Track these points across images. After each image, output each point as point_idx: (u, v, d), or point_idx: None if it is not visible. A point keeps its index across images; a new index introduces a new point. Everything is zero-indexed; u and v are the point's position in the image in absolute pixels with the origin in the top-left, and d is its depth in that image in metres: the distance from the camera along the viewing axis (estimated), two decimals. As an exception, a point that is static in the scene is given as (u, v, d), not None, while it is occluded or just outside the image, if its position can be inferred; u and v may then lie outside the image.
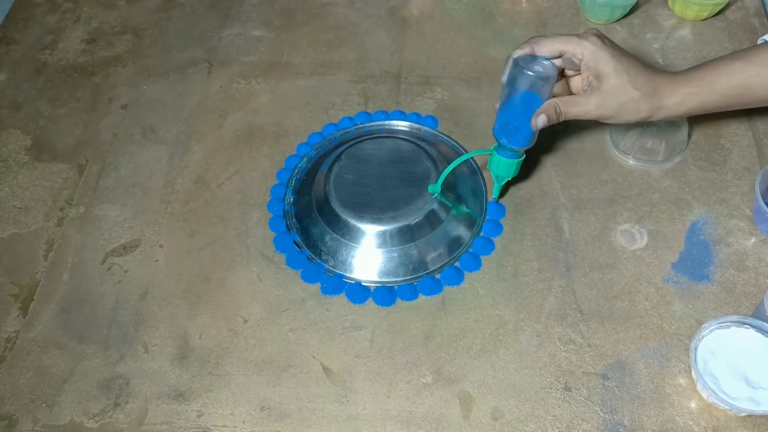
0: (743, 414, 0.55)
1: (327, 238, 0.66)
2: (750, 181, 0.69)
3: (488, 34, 0.84)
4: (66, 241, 0.68)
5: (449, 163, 0.70)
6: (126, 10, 0.90)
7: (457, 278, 0.64)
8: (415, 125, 0.76)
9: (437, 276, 0.64)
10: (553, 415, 0.56)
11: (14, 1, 0.92)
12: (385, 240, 0.64)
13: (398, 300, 0.63)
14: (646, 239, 0.66)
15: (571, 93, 0.62)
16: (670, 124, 0.69)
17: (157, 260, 0.67)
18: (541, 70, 0.58)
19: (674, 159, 0.71)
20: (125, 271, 0.66)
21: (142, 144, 0.76)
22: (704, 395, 0.56)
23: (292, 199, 0.70)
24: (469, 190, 0.70)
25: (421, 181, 0.66)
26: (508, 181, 0.65)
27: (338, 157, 0.69)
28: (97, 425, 0.57)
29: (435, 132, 0.75)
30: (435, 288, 0.63)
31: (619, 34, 0.83)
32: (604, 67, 0.56)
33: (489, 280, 0.64)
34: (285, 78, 0.81)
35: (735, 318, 0.57)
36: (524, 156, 0.63)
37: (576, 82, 0.61)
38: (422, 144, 0.70)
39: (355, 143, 0.70)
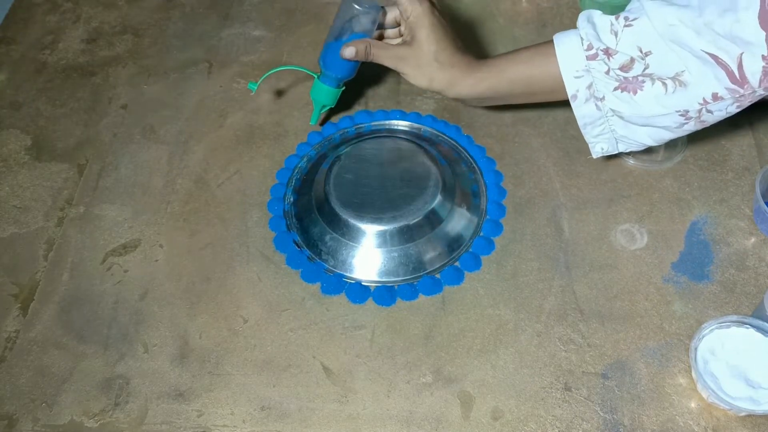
0: (743, 414, 0.55)
1: (327, 238, 0.66)
2: (750, 181, 0.69)
3: (488, 34, 0.84)
4: (66, 241, 0.68)
5: (449, 163, 0.70)
6: (126, 10, 0.90)
7: (457, 278, 0.64)
8: (415, 125, 0.76)
9: (437, 276, 0.64)
10: (553, 415, 0.56)
11: (14, 1, 0.92)
12: (385, 240, 0.64)
13: (398, 300, 0.63)
14: (646, 239, 0.66)
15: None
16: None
17: (157, 260, 0.67)
18: (367, 6, 0.62)
19: (674, 159, 0.71)
20: (125, 271, 0.66)
21: (142, 144, 0.76)
22: (704, 395, 0.56)
23: (292, 199, 0.70)
24: (469, 190, 0.70)
25: (421, 181, 0.66)
26: (329, 111, 0.73)
27: (338, 157, 0.69)
28: (97, 425, 0.57)
29: (435, 132, 0.75)
30: (435, 288, 0.63)
31: (619, 34, 0.83)
32: (419, 32, 0.61)
33: (489, 280, 0.64)
34: (285, 78, 0.81)
35: (735, 318, 0.57)
36: (344, 87, 0.69)
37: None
38: (422, 144, 0.70)
39: (355, 143, 0.70)
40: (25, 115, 0.79)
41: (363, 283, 0.64)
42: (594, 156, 0.63)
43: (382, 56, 0.63)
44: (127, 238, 0.68)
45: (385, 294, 0.63)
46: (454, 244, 0.66)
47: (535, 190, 0.70)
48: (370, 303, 0.63)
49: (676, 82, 0.54)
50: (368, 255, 0.65)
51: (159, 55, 0.85)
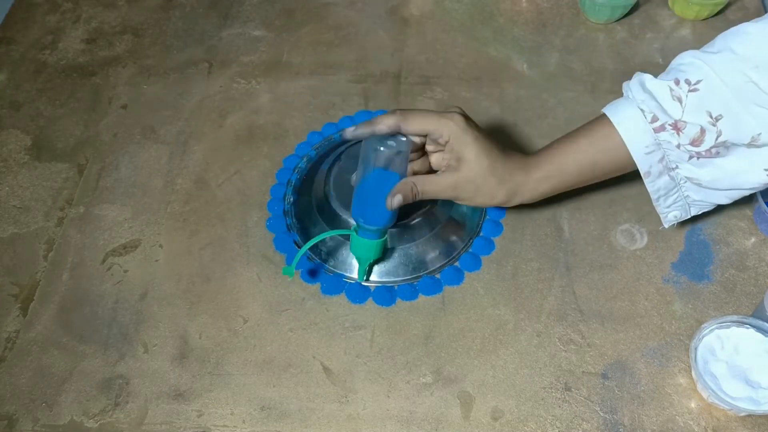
0: (743, 414, 0.55)
1: (327, 238, 0.66)
2: (750, 181, 0.69)
3: (488, 34, 0.85)
4: (66, 241, 0.68)
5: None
6: (126, 10, 0.90)
7: (457, 278, 0.64)
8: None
9: (437, 276, 0.64)
10: (553, 415, 0.56)
11: (14, 1, 0.92)
12: (385, 240, 0.64)
13: (398, 300, 0.63)
14: (646, 239, 0.66)
15: (431, 168, 0.60)
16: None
17: (157, 260, 0.67)
18: (394, 145, 0.55)
19: (674, 159, 0.71)
20: (125, 271, 0.66)
21: (142, 144, 0.76)
22: (704, 395, 0.56)
23: (292, 199, 0.70)
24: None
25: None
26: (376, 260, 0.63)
27: (338, 157, 0.69)
28: (97, 425, 0.57)
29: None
30: (435, 288, 0.63)
31: (619, 34, 0.83)
32: (465, 152, 0.55)
33: (489, 280, 0.64)
34: (285, 78, 0.81)
35: (735, 318, 0.57)
36: (387, 236, 0.60)
37: (437, 158, 0.59)
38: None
39: (356, 143, 0.70)
40: (25, 115, 0.79)
41: (363, 283, 0.64)
42: (666, 225, 0.60)
43: (433, 191, 0.56)
44: (127, 238, 0.68)
45: (385, 294, 0.63)
46: (453, 244, 0.66)
47: (535, 190, 0.70)
48: (370, 303, 0.63)
49: (752, 148, 0.51)
50: (368, 255, 0.65)
51: (159, 55, 0.85)
